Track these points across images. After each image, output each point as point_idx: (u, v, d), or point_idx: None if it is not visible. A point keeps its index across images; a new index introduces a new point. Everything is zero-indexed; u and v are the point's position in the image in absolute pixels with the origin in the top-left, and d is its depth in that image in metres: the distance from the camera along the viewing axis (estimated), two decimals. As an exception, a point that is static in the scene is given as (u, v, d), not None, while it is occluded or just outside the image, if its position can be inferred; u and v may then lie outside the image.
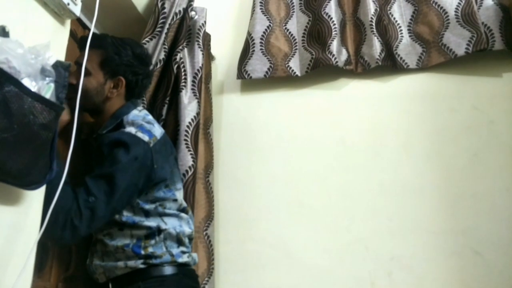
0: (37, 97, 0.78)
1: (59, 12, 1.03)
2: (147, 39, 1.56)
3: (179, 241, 1.24)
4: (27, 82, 0.77)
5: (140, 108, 1.34)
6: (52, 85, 0.85)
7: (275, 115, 1.80)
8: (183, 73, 1.61)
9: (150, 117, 1.33)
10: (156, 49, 1.55)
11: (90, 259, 1.23)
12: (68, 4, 1.02)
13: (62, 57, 1.06)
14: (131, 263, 1.16)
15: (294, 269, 1.59)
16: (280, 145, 1.75)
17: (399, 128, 1.66)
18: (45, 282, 1.16)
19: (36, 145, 0.80)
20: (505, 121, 1.57)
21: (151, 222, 1.19)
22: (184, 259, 1.23)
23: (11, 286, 0.79)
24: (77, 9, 1.06)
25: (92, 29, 1.22)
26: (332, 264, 1.56)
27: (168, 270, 1.19)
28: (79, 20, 1.41)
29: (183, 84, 1.59)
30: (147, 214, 1.21)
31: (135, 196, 1.18)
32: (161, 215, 1.23)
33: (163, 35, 1.56)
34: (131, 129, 1.21)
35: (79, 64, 1.24)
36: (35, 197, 0.90)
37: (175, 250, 1.22)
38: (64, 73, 0.90)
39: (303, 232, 1.62)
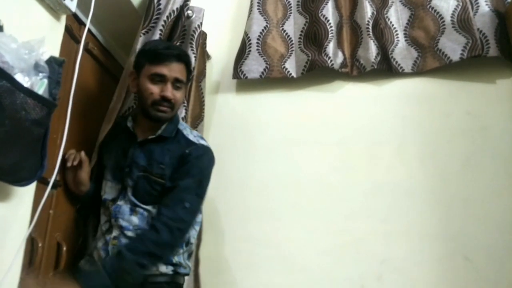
0: (29, 92, 0.77)
1: (54, 7, 1.03)
2: (142, 32, 1.53)
3: (190, 254, 1.35)
4: (20, 77, 0.77)
5: None
6: (46, 80, 0.85)
7: (270, 115, 1.80)
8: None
9: None
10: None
11: (112, 253, 1.22)
12: (64, -1, 1.01)
13: (56, 53, 1.06)
14: (163, 268, 1.23)
15: (287, 270, 1.59)
16: (275, 145, 1.75)
17: (393, 132, 1.67)
18: (34, 278, 1.14)
19: (28, 141, 0.80)
20: (498, 127, 1.58)
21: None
22: (188, 270, 1.33)
23: (-2, 283, 0.79)
24: (72, 5, 1.06)
25: (88, 24, 1.21)
26: (324, 266, 1.56)
27: (183, 279, 1.30)
28: (75, 15, 1.40)
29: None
30: None
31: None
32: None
33: (158, 32, 1.55)
34: (202, 142, 1.37)
35: (178, 81, 1.33)
36: (26, 194, 0.90)
37: (188, 262, 1.32)
38: (58, 69, 0.89)
39: (296, 233, 1.62)
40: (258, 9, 1.84)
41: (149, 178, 1.29)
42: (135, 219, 1.26)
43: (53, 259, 1.24)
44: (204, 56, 1.86)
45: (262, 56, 1.78)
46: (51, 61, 0.88)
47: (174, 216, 1.20)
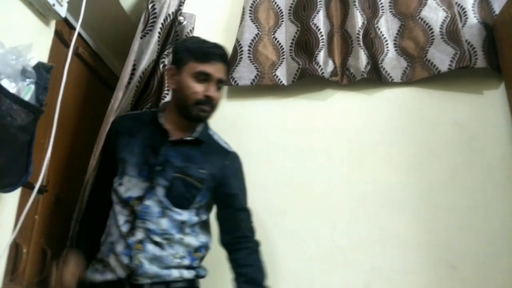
0: (15, 98, 0.77)
1: (44, 12, 1.02)
2: (140, 35, 1.53)
3: (203, 258, 1.35)
4: (6, 83, 0.76)
5: None
6: (33, 86, 0.84)
7: (260, 122, 1.80)
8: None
9: None
10: (148, 49, 1.53)
11: (137, 259, 1.16)
12: (54, 5, 1.01)
13: (45, 58, 1.06)
14: (185, 273, 1.24)
15: (274, 277, 1.58)
16: (264, 152, 1.75)
17: (382, 141, 1.68)
18: (17, 285, 1.13)
19: (13, 148, 0.79)
20: (484, 138, 1.59)
21: (208, 237, 1.36)
22: (206, 273, 1.34)
23: (-20, 290, 0.77)
24: (62, 10, 1.05)
25: (78, 29, 1.21)
26: (310, 273, 1.56)
27: (199, 282, 1.31)
28: (65, 19, 1.40)
29: (166, 91, 1.57)
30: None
31: None
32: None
33: (156, 35, 1.54)
34: (232, 149, 1.40)
35: (221, 81, 1.32)
36: (10, 199, 0.89)
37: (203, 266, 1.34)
38: (45, 74, 0.89)
39: (283, 240, 1.62)
40: (250, 16, 1.85)
41: (185, 180, 1.25)
42: (164, 223, 1.21)
43: (37, 265, 1.22)
44: (195, 62, 1.86)
45: (253, 63, 1.79)
46: (39, 66, 0.87)
47: (255, 237, 1.35)
